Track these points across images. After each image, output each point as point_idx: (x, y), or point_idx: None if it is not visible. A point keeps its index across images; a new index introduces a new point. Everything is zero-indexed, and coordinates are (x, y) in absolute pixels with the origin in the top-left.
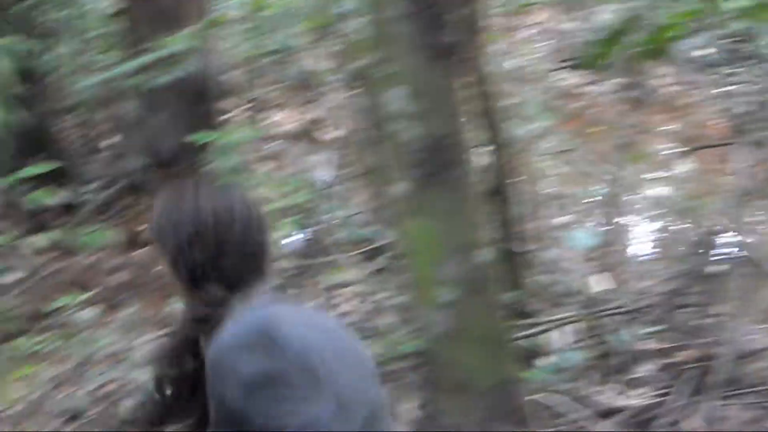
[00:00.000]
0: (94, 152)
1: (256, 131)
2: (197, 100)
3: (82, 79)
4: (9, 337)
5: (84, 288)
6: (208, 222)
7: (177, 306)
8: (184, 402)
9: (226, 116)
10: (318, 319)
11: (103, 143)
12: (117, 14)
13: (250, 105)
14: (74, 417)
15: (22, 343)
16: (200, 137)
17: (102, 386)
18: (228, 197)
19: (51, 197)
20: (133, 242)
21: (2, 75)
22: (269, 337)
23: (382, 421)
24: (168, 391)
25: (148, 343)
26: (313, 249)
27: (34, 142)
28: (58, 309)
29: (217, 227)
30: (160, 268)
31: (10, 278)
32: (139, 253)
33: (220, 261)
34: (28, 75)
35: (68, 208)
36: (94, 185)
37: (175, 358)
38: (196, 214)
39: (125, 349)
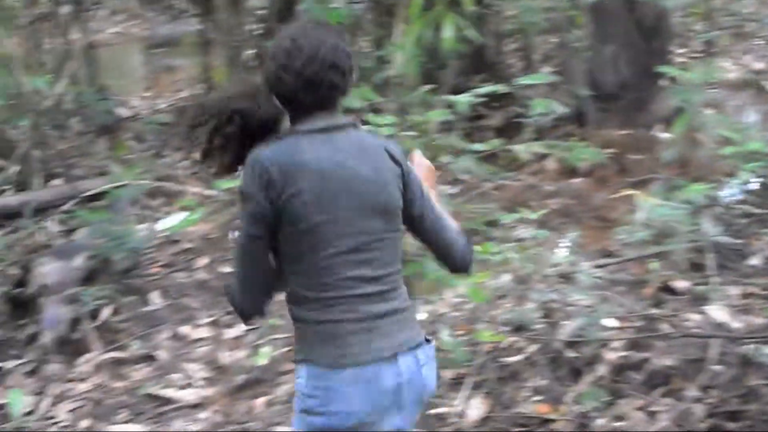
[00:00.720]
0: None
1: (709, 73)
2: (650, 35)
3: (526, 3)
4: None
5: (524, 206)
6: (282, 48)
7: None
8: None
9: (670, 57)
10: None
11: (543, 70)
12: None
13: (695, 49)
14: (518, 329)
15: (483, 248)
16: (663, 71)
17: (545, 304)
18: (311, 35)
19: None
20: (573, 170)
21: None
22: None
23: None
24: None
25: (592, 269)
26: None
27: (475, 62)
28: (500, 223)
29: (286, 53)
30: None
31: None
32: (575, 182)
33: (281, 80)
34: None
35: (501, 130)
36: (537, 110)
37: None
38: (280, 41)
39: (569, 272)
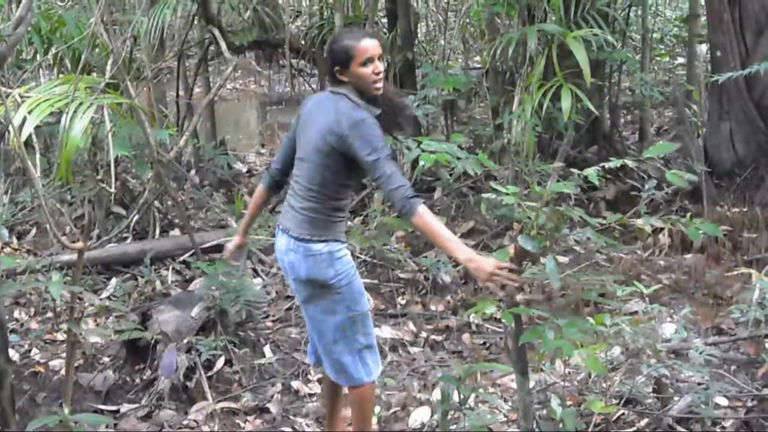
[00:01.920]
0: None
1: None
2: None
3: (642, 76)
4: (577, 309)
5: (637, 281)
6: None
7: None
8: None
9: None
10: (328, 103)
11: (657, 143)
12: (689, 18)
13: None
14: (629, 402)
15: (596, 319)
16: None
17: (656, 378)
18: (345, 38)
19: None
20: (686, 245)
21: (579, 65)
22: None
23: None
24: None
25: (704, 346)
26: None
27: (590, 133)
28: (613, 295)
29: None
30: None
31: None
32: (689, 258)
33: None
34: (596, 68)
35: (613, 202)
36: (653, 182)
37: None
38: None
39: (681, 348)
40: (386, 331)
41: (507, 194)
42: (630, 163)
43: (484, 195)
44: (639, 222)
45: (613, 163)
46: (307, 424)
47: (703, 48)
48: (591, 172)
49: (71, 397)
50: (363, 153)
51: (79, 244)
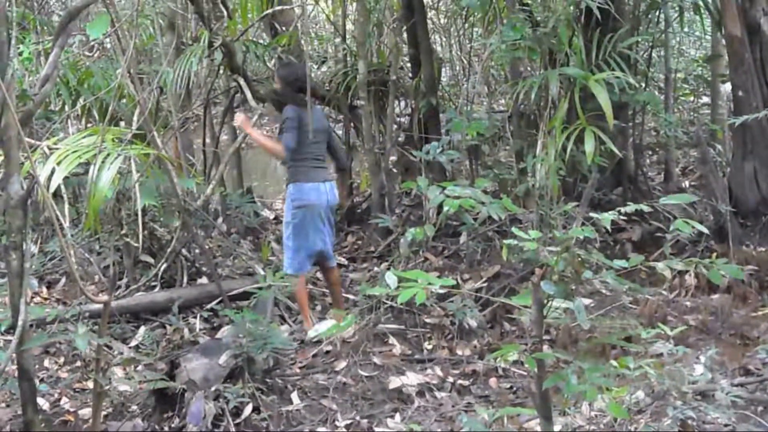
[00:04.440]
0: (671, 192)
1: None
2: None
3: (666, 117)
4: (603, 352)
5: (663, 322)
6: (288, 67)
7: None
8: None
9: None
10: (319, 109)
11: (683, 184)
12: (711, 59)
13: None
14: None
15: (620, 362)
16: None
17: (683, 421)
18: (298, 68)
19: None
20: (712, 286)
21: (602, 107)
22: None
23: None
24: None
25: (731, 387)
26: None
27: (615, 174)
28: (638, 338)
29: (292, 74)
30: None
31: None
32: (715, 298)
33: (285, 85)
34: (619, 109)
35: (639, 244)
36: (674, 223)
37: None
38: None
39: (707, 390)
40: (413, 377)
41: (529, 240)
42: (646, 208)
43: (506, 241)
44: (659, 266)
45: (630, 208)
46: None
47: (726, 88)
48: (606, 216)
49: None
50: (334, 136)
51: (105, 297)
